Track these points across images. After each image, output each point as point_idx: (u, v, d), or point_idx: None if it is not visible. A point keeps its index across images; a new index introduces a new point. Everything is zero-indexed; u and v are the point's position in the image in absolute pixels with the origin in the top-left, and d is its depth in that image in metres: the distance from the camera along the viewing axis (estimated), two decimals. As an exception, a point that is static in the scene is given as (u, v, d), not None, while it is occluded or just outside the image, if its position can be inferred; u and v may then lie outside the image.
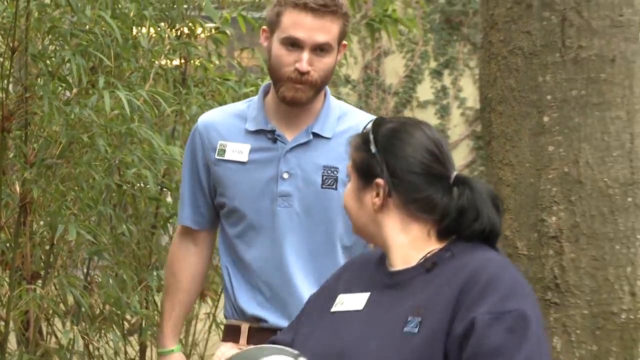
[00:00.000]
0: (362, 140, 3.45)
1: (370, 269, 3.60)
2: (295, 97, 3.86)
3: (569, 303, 5.30)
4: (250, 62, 10.22)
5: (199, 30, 8.94)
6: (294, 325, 3.79)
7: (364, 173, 3.42)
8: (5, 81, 8.00)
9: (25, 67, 7.69)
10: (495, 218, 3.21)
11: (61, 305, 8.04)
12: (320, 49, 3.84)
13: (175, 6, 8.41)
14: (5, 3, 7.79)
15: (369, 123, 3.44)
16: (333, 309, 3.55)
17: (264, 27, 4.12)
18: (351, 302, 3.50)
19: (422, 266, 3.39)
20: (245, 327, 4.05)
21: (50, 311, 8.12)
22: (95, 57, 7.81)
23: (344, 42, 4.07)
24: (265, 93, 4.19)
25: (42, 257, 8.10)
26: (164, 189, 8.40)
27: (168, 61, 8.90)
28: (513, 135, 5.62)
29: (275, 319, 4.08)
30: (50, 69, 7.88)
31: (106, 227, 8.16)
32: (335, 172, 4.04)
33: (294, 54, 3.89)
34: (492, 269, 3.31)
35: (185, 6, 8.48)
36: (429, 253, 3.38)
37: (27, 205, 7.81)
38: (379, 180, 3.33)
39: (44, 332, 8.29)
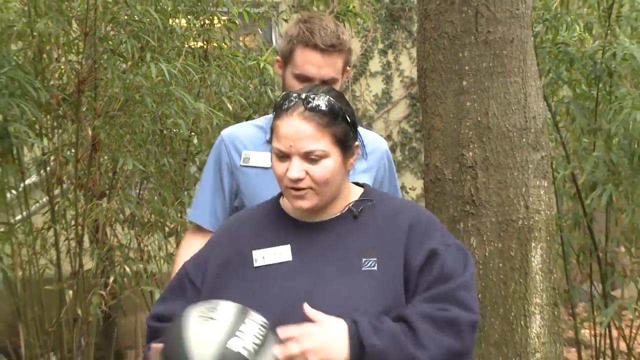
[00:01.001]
0: (333, 116, 3.11)
1: (274, 224, 3.31)
2: None
3: (482, 213, 5.37)
4: (252, 44, 10.16)
5: (216, 20, 8.91)
6: (176, 296, 3.44)
7: (346, 143, 3.15)
8: (80, 56, 8.09)
9: (94, 46, 7.66)
10: None
11: (121, 215, 7.98)
12: (327, 82, 3.55)
13: (200, 3, 8.49)
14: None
15: (324, 99, 3.09)
16: (256, 265, 3.21)
17: (278, 57, 3.84)
18: (273, 255, 3.19)
19: (347, 215, 3.24)
20: None
21: (113, 219, 8.08)
22: (144, 39, 7.76)
23: (347, 67, 3.82)
24: None
25: (107, 181, 8.06)
26: (192, 133, 8.32)
27: (194, 42, 8.90)
28: (441, 95, 5.66)
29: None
30: (112, 48, 7.87)
31: (152, 160, 8.10)
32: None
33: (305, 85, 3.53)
34: (424, 214, 3.36)
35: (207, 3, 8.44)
36: (350, 203, 3.24)
37: (96, 145, 7.80)
38: (358, 143, 3.18)
39: (109, 234, 8.23)
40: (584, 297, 7.76)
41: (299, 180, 3.12)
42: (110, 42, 7.93)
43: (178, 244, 8.99)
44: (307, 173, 3.14)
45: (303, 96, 3.12)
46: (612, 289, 8.02)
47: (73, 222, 8.15)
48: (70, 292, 8.04)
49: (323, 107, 3.09)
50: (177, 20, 8.37)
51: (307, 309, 2.91)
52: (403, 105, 15.24)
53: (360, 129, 3.65)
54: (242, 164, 3.82)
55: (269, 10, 9.96)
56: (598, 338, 7.72)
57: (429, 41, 5.79)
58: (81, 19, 7.75)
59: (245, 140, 3.89)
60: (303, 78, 3.59)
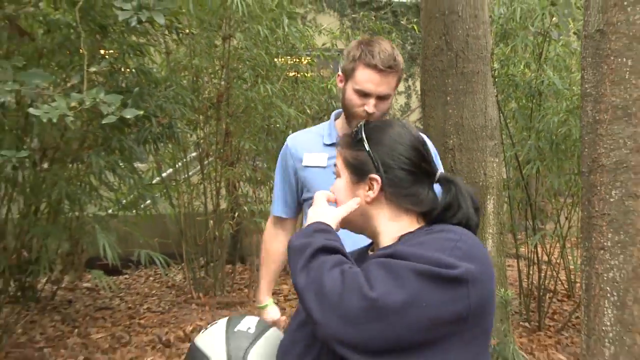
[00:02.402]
0: (352, 140, 2.16)
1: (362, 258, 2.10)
2: None
3: (457, 170, 5.41)
4: (325, 73, 9.92)
5: (303, 59, 8.88)
6: None
7: (358, 170, 2.12)
8: (220, 80, 7.98)
9: (228, 74, 7.69)
10: (471, 213, 2.04)
11: (243, 176, 8.03)
12: (382, 97, 3.08)
13: (293, 48, 8.37)
14: (218, 44, 7.78)
15: (358, 124, 2.24)
16: None
17: (340, 73, 3.24)
18: None
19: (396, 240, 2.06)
20: None
21: (238, 179, 8.14)
22: (257, 70, 7.81)
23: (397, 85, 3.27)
24: (336, 117, 3.37)
25: (235, 155, 8.10)
26: (287, 128, 8.30)
27: (288, 72, 8.72)
28: (434, 106, 5.66)
29: None
30: (238, 75, 7.90)
31: (262, 143, 8.16)
32: None
33: (363, 100, 3.07)
34: (437, 232, 1.98)
35: (296, 47, 8.38)
36: (407, 233, 2.05)
37: (228, 133, 7.85)
38: (374, 176, 2.05)
39: (236, 187, 8.30)
40: (522, 228, 7.81)
41: None
42: (237, 72, 7.97)
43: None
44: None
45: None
46: (541, 224, 8.03)
47: (215, 180, 8.23)
48: (212, 221, 8.17)
49: (354, 132, 2.18)
50: (278, 59, 8.38)
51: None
52: (417, 112, 14.15)
53: None
54: (303, 164, 3.26)
55: (335, 53, 9.93)
56: (530, 253, 7.70)
57: (427, 72, 5.78)
58: (220, 57, 7.82)
59: (305, 144, 3.31)
60: (362, 93, 3.07)
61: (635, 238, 3.74)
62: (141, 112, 4.27)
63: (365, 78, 3.05)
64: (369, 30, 11.60)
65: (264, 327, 2.41)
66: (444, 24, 5.62)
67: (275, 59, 8.30)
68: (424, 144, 2.09)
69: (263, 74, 7.92)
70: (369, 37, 3.29)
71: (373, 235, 2.11)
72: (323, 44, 9.34)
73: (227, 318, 2.42)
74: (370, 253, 2.16)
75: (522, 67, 7.70)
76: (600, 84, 3.78)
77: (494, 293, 1.91)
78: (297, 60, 8.78)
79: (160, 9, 4.03)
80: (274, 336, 2.38)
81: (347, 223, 2.12)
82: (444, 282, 1.77)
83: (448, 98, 5.61)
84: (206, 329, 2.37)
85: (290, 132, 8.33)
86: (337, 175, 2.15)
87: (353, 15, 11.91)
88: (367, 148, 2.05)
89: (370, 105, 3.06)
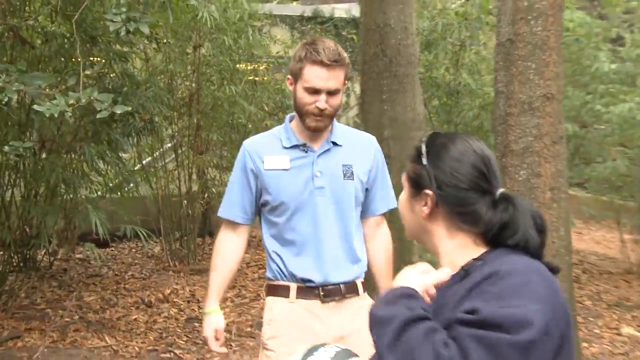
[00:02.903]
0: (416, 152, 1.80)
1: None
2: (317, 127, 2.75)
3: (390, 162, 5.32)
4: (279, 77, 9.70)
5: (262, 65, 8.87)
6: None
7: (415, 183, 1.78)
8: (191, 82, 7.95)
9: (199, 77, 7.67)
10: (531, 234, 1.65)
11: (211, 163, 8.08)
12: (332, 92, 2.73)
13: (252, 56, 8.35)
14: (189, 52, 7.76)
15: (425, 136, 1.86)
16: None
17: (289, 76, 2.85)
18: None
19: (459, 274, 1.66)
20: (294, 287, 2.76)
21: (207, 165, 8.15)
22: (224, 74, 7.80)
23: (346, 81, 2.88)
24: (290, 120, 2.92)
25: (204, 145, 8.12)
26: (248, 122, 8.29)
27: (249, 76, 8.61)
28: (372, 103, 5.67)
29: (318, 279, 2.75)
30: (207, 78, 7.92)
31: (227, 135, 8.21)
32: (350, 168, 2.81)
33: (314, 97, 2.71)
34: (508, 270, 1.56)
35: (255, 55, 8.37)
36: (467, 262, 1.67)
37: (199, 127, 7.85)
38: (428, 191, 1.71)
39: (205, 173, 8.29)
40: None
41: None
42: (206, 75, 7.96)
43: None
44: None
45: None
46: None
47: (187, 167, 8.21)
48: (185, 201, 8.16)
49: (417, 146, 1.82)
50: (240, 64, 8.36)
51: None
52: (355, 109, 13.82)
53: (348, 128, 3.01)
54: (265, 168, 2.80)
55: (287, 60, 9.93)
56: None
57: (366, 75, 5.79)
58: (191, 63, 7.80)
59: (264, 147, 2.86)
60: (312, 90, 2.72)
61: (539, 209, 3.82)
62: (129, 108, 4.29)
63: (314, 75, 2.72)
64: (315, 41, 11.59)
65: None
66: (380, 35, 5.64)
67: (238, 65, 8.28)
68: (488, 162, 1.71)
69: (228, 77, 7.89)
70: (311, 38, 3.04)
71: (435, 253, 1.78)
72: (277, 52, 9.32)
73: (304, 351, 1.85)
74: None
75: (442, 71, 7.80)
76: (510, 84, 3.87)
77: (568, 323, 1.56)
78: (256, 65, 8.78)
79: (145, 21, 4.02)
80: None
81: (411, 233, 1.84)
82: (542, 351, 1.46)
83: (383, 96, 5.61)
84: None
85: (250, 125, 8.40)
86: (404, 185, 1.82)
87: (302, 28, 11.91)
88: (425, 162, 1.72)
89: (321, 102, 2.71)
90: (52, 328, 5.97)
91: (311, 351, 1.83)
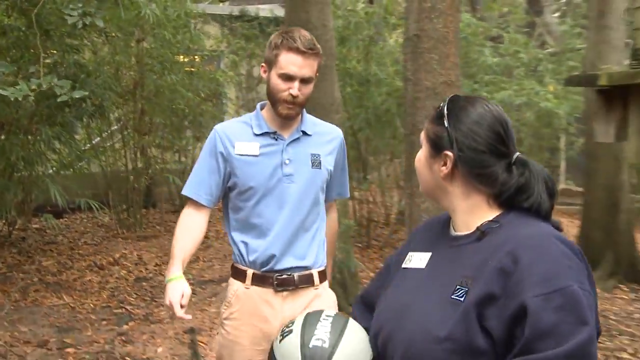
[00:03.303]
0: (436, 114, 1.60)
1: (437, 230, 1.69)
2: (289, 114, 2.45)
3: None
4: (211, 67, 9.64)
5: (196, 57, 8.78)
6: (378, 278, 1.85)
7: (435, 144, 1.57)
8: (135, 72, 7.78)
9: (142, 68, 7.55)
10: (544, 198, 1.51)
11: (154, 143, 8.03)
12: (305, 80, 2.44)
13: (188, 49, 8.25)
14: (133, 45, 7.59)
15: (444, 99, 1.65)
16: (404, 265, 1.70)
17: (263, 64, 2.53)
18: (417, 260, 1.65)
19: (474, 234, 1.52)
20: (250, 273, 2.47)
21: (150, 145, 8.07)
22: (165, 65, 7.71)
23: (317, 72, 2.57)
24: (262, 108, 2.59)
25: (148, 127, 8.07)
26: (186, 107, 8.24)
27: (187, 67, 8.59)
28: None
29: (275, 265, 2.47)
30: (150, 69, 7.78)
31: (167, 119, 8.11)
32: (318, 157, 2.53)
33: (287, 84, 2.41)
34: (532, 249, 1.38)
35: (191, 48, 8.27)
36: (482, 223, 1.52)
37: (143, 111, 7.76)
38: (448, 153, 1.53)
39: (148, 151, 8.26)
40: (356, 178, 7.89)
41: None
42: (149, 66, 7.83)
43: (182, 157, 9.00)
44: None
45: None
46: (368, 175, 8.21)
47: (132, 146, 8.11)
48: (131, 177, 8.06)
49: (439, 107, 1.62)
50: (179, 56, 8.25)
51: None
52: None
53: (318, 120, 2.69)
54: (235, 153, 2.49)
55: (219, 53, 9.88)
56: (361, 195, 7.94)
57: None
58: (135, 55, 7.68)
59: (236, 133, 2.54)
60: (286, 77, 2.42)
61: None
62: (87, 93, 4.20)
63: (289, 61, 2.41)
64: (242, 36, 11.50)
65: (339, 332, 1.65)
66: (302, 31, 5.63)
67: (177, 57, 8.17)
68: (506, 125, 1.55)
69: (168, 67, 7.78)
70: (287, 27, 2.69)
71: (450, 211, 1.62)
72: (210, 46, 9.23)
73: (301, 326, 1.67)
74: (454, 233, 1.59)
75: (354, 62, 7.83)
76: (417, 72, 3.93)
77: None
78: (192, 57, 8.67)
79: (99, 16, 3.93)
80: (350, 339, 1.64)
81: (427, 191, 1.65)
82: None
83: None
84: (282, 336, 1.69)
85: (187, 110, 8.32)
86: (421, 145, 1.64)
87: (231, 25, 11.80)
88: (446, 124, 1.55)
89: (294, 89, 2.41)
90: (15, 289, 5.84)
91: (308, 330, 1.65)
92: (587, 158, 7.69)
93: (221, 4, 13.45)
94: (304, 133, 2.53)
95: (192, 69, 8.58)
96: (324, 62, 5.53)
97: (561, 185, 11.66)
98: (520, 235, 1.42)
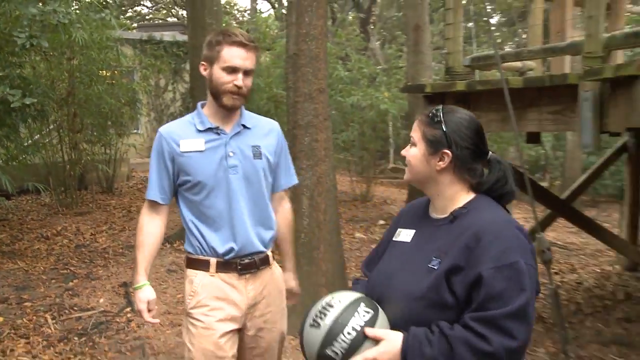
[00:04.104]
0: (431, 120, 1.50)
1: (420, 211, 1.61)
2: (234, 105, 2.06)
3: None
4: (127, 81, 9.10)
5: (116, 72, 8.31)
6: (377, 247, 1.70)
7: (433, 144, 1.48)
8: (68, 84, 7.25)
9: (72, 80, 7.09)
10: (514, 188, 1.51)
11: (85, 139, 7.56)
12: (247, 72, 2.07)
13: (110, 65, 7.79)
14: (64, 62, 7.07)
15: (435, 109, 1.54)
16: (394, 238, 1.62)
17: (203, 63, 2.10)
18: (404, 235, 1.58)
19: (448, 218, 1.48)
20: (214, 261, 2.09)
21: (82, 140, 7.61)
22: (92, 77, 7.26)
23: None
24: (202, 106, 2.16)
25: (80, 126, 7.63)
26: (109, 110, 7.85)
27: (110, 80, 8.08)
28: (201, 98, 5.42)
29: (235, 252, 2.10)
30: (79, 80, 7.35)
31: (95, 120, 7.69)
32: (259, 149, 2.15)
33: (231, 76, 2.02)
34: (491, 233, 1.37)
35: (111, 65, 7.82)
36: (455, 209, 1.48)
37: (75, 114, 7.30)
38: (447, 151, 1.46)
39: (80, 146, 7.79)
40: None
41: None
42: (79, 79, 7.40)
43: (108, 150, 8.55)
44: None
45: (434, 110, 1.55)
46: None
47: (67, 142, 7.64)
48: (68, 166, 7.62)
49: (431, 113, 1.52)
50: (103, 71, 7.83)
51: (369, 331, 1.40)
52: (180, 101, 12.34)
53: (255, 115, 2.26)
54: (181, 151, 2.09)
55: (133, 68, 9.41)
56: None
57: (197, 80, 5.55)
58: (67, 70, 7.23)
59: (179, 132, 2.12)
60: (230, 69, 2.03)
61: (317, 163, 3.96)
62: (36, 100, 3.90)
63: (233, 54, 2.03)
64: (151, 56, 11.08)
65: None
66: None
67: (101, 71, 7.78)
68: (481, 128, 1.51)
69: (95, 80, 7.43)
70: (222, 29, 2.24)
71: (433, 196, 1.54)
72: (126, 64, 8.79)
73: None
74: (433, 216, 1.53)
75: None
76: (297, 82, 3.97)
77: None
78: (113, 72, 8.26)
79: (43, 38, 3.66)
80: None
81: (418, 182, 1.55)
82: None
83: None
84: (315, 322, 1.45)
85: (110, 113, 7.91)
86: (413, 144, 1.53)
87: (142, 47, 11.34)
88: (444, 129, 1.47)
89: (239, 80, 2.04)
90: (-26, 258, 5.39)
91: (353, 306, 1.43)
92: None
93: (134, 31, 12.87)
94: (244, 127, 2.15)
95: (113, 81, 8.17)
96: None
97: (391, 165, 12.18)
98: (484, 219, 1.41)
